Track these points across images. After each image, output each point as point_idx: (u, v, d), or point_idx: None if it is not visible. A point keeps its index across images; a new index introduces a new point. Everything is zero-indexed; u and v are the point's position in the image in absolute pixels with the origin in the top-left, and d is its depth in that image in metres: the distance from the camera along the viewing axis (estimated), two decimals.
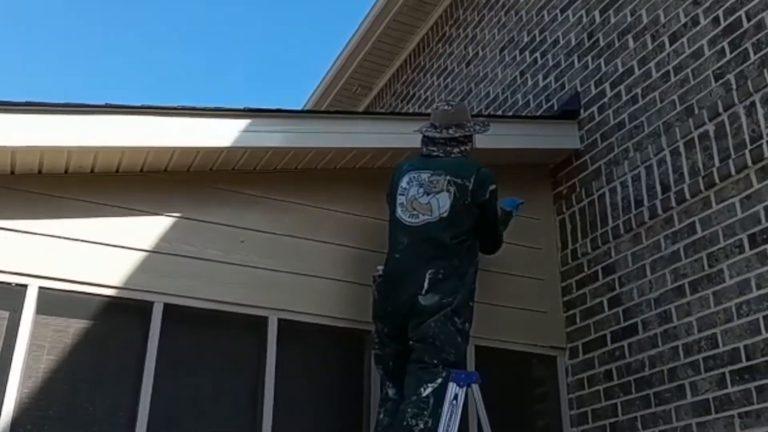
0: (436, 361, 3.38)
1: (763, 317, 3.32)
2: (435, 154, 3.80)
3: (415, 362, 3.43)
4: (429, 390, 3.32)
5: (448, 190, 3.63)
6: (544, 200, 4.80)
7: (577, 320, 4.41)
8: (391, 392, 3.56)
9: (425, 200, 3.65)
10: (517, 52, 5.52)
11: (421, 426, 3.25)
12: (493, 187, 3.71)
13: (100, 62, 23.69)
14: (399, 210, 3.70)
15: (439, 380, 3.35)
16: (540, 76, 5.20)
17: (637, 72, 4.33)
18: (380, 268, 3.70)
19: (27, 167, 3.54)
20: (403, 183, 3.76)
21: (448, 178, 3.66)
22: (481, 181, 3.67)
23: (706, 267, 3.66)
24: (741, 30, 3.69)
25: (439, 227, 3.58)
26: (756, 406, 3.27)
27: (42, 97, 3.52)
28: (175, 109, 3.67)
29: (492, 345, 4.30)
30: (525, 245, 4.62)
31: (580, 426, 4.23)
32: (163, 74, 24.69)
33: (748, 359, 3.35)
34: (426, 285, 3.46)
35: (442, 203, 3.61)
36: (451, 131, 3.81)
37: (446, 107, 3.95)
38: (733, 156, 3.61)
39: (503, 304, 4.40)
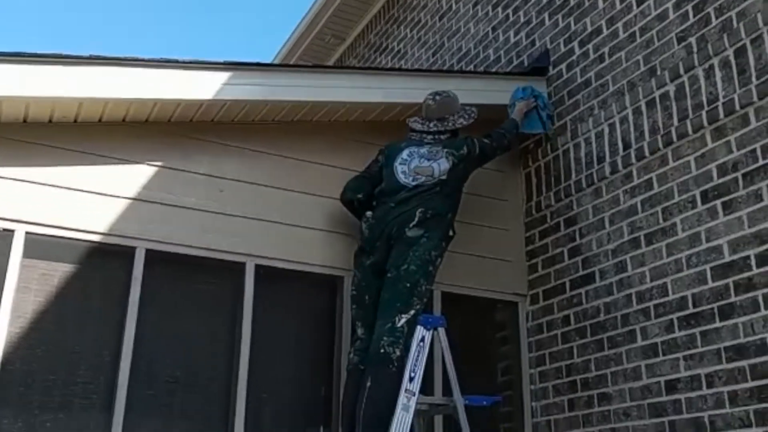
0: (408, 285, 3.71)
1: (710, 268, 3.57)
2: (427, 141, 4.22)
3: (392, 287, 3.73)
4: (404, 320, 3.64)
5: (446, 158, 4.09)
6: (511, 154, 4.97)
7: (539, 268, 4.66)
8: (360, 331, 3.83)
9: (426, 164, 4.11)
10: (489, 7, 5.64)
11: (398, 353, 3.56)
12: (477, 144, 4.22)
13: (68, 15, 23.27)
14: (401, 175, 4.10)
15: (413, 312, 3.69)
16: (511, 33, 5.34)
17: (605, 31, 4.49)
18: (369, 212, 4.03)
19: (12, 116, 3.63)
20: (404, 155, 4.16)
21: (445, 150, 4.13)
22: (470, 147, 4.18)
23: (660, 221, 3.89)
24: None
25: (436, 185, 4.03)
26: (700, 350, 3.55)
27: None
28: (157, 61, 3.77)
29: (458, 291, 4.54)
30: (492, 197, 4.84)
31: (538, 367, 4.51)
32: (135, 27, 24.35)
33: (694, 306, 3.62)
34: (416, 220, 3.88)
35: (442, 167, 4.08)
36: (431, 125, 4.25)
37: (430, 102, 4.32)
38: (690, 116, 3.82)
39: (470, 253, 4.62)
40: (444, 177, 4.05)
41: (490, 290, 4.67)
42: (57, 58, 3.56)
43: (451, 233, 4.06)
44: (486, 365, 4.71)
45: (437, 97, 4.33)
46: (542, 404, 4.45)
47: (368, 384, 3.50)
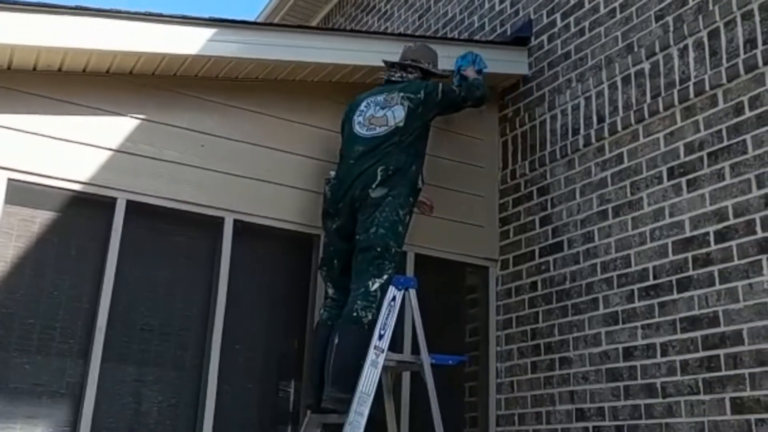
0: (379, 249, 3.73)
1: (672, 242, 3.72)
2: (394, 79, 4.18)
3: (363, 252, 3.77)
4: (377, 285, 3.71)
5: (401, 104, 4.00)
6: (490, 122, 5.08)
7: (511, 235, 4.79)
8: (330, 291, 3.94)
9: (381, 114, 4.02)
10: None
11: (370, 317, 3.65)
12: (441, 86, 4.14)
13: None
14: (357, 127, 4.04)
15: (386, 276, 3.74)
16: (496, 0, 5.39)
17: (586, 5, 4.57)
18: (332, 172, 4.04)
19: None
20: (362, 106, 4.11)
21: (401, 94, 4.04)
22: (430, 89, 4.09)
23: (628, 194, 4.02)
24: None
25: (393, 134, 3.95)
26: (657, 320, 3.71)
27: None
28: (143, 15, 3.80)
29: (431, 254, 4.67)
30: (469, 163, 4.95)
31: (504, 330, 4.67)
32: None
33: (654, 278, 3.77)
34: (378, 179, 3.84)
35: (397, 114, 3.99)
36: (407, 62, 4.23)
37: (410, 44, 4.36)
38: (662, 94, 3.93)
39: (444, 217, 4.74)
40: (401, 125, 3.95)
41: (462, 254, 4.80)
42: (42, 6, 3.58)
43: (419, 185, 4.01)
44: (456, 326, 4.87)
45: (418, 43, 4.38)
46: (506, 365, 4.62)
47: (336, 340, 3.60)
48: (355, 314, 3.64)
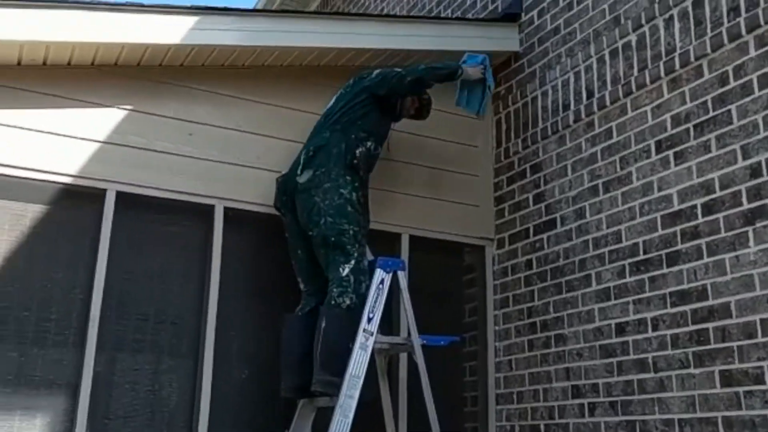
0: (334, 239, 3.70)
1: (660, 216, 3.68)
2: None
3: (321, 246, 3.76)
4: (347, 269, 3.70)
5: (347, 90, 4.06)
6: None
7: (506, 214, 4.77)
8: (302, 286, 3.97)
9: (330, 104, 4.10)
10: None
11: (348, 302, 3.65)
12: (380, 69, 4.14)
13: None
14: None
15: (353, 259, 3.71)
16: None
17: None
18: (282, 173, 4.07)
19: None
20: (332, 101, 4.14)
21: (355, 81, 4.11)
22: (366, 73, 4.12)
23: (618, 169, 3.99)
24: None
25: (326, 119, 4.02)
26: (647, 294, 3.69)
27: None
28: (123, 5, 3.81)
29: (428, 236, 4.67)
30: (463, 143, 4.94)
31: (501, 309, 4.66)
32: None
33: (644, 253, 3.74)
34: (301, 163, 3.87)
35: (341, 103, 4.03)
36: None
37: None
38: (649, 67, 3.88)
39: (440, 198, 4.75)
40: (328, 107, 4.05)
41: (459, 234, 4.80)
42: (22, 1, 3.59)
43: (355, 160, 3.86)
44: (455, 306, 4.87)
45: None
46: (504, 344, 4.61)
47: (322, 325, 3.61)
48: (333, 302, 3.65)
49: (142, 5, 3.85)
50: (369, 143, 3.97)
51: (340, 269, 3.70)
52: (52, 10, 3.67)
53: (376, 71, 4.10)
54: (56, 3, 3.66)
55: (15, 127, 3.80)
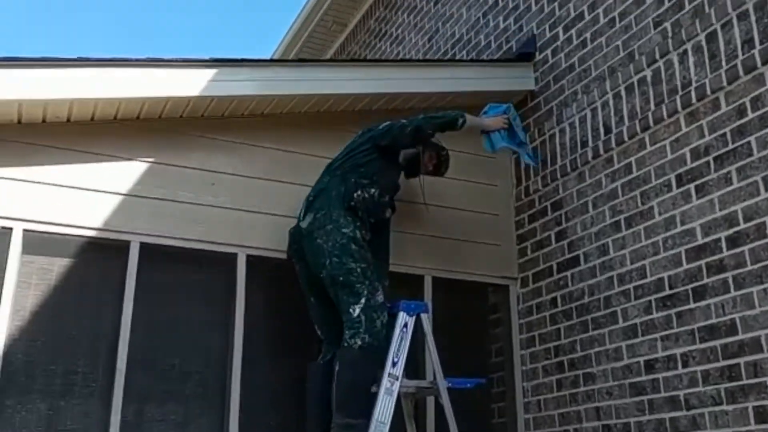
0: (341, 278, 3.69)
1: (685, 250, 3.64)
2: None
3: (331, 287, 3.75)
4: (358, 310, 3.65)
5: (355, 139, 4.13)
6: None
7: (528, 252, 4.75)
8: (318, 332, 3.97)
9: (339, 152, 4.15)
10: None
11: (359, 342, 3.61)
12: (386, 123, 4.13)
13: (67, 16, 23.60)
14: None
15: (363, 298, 3.67)
16: (501, 18, 5.39)
17: (587, 17, 4.54)
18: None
19: (7, 118, 3.78)
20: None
21: (364, 131, 4.17)
22: (383, 125, 4.12)
23: (639, 204, 3.96)
24: None
25: (331, 167, 4.07)
26: (675, 330, 3.63)
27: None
28: (143, 61, 3.89)
29: (450, 276, 4.66)
30: (482, 183, 4.95)
31: (528, 348, 4.62)
32: (132, 26, 24.64)
33: (670, 288, 3.69)
34: (303, 209, 3.94)
35: (345, 150, 4.11)
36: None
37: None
38: (666, 101, 3.87)
39: (462, 238, 4.74)
40: (338, 156, 4.09)
41: (482, 274, 4.78)
42: (46, 60, 3.69)
43: (352, 202, 3.84)
44: (480, 347, 4.83)
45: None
46: (532, 384, 4.56)
47: (336, 369, 3.59)
48: (345, 344, 3.63)
49: (161, 60, 3.93)
50: (372, 190, 3.94)
51: (351, 310, 3.67)
52: (75, 69, 3.76)
53: (385, 123, 4.12)
54: (79, 61, 3.75)
55: (39, 182, 3.86)
